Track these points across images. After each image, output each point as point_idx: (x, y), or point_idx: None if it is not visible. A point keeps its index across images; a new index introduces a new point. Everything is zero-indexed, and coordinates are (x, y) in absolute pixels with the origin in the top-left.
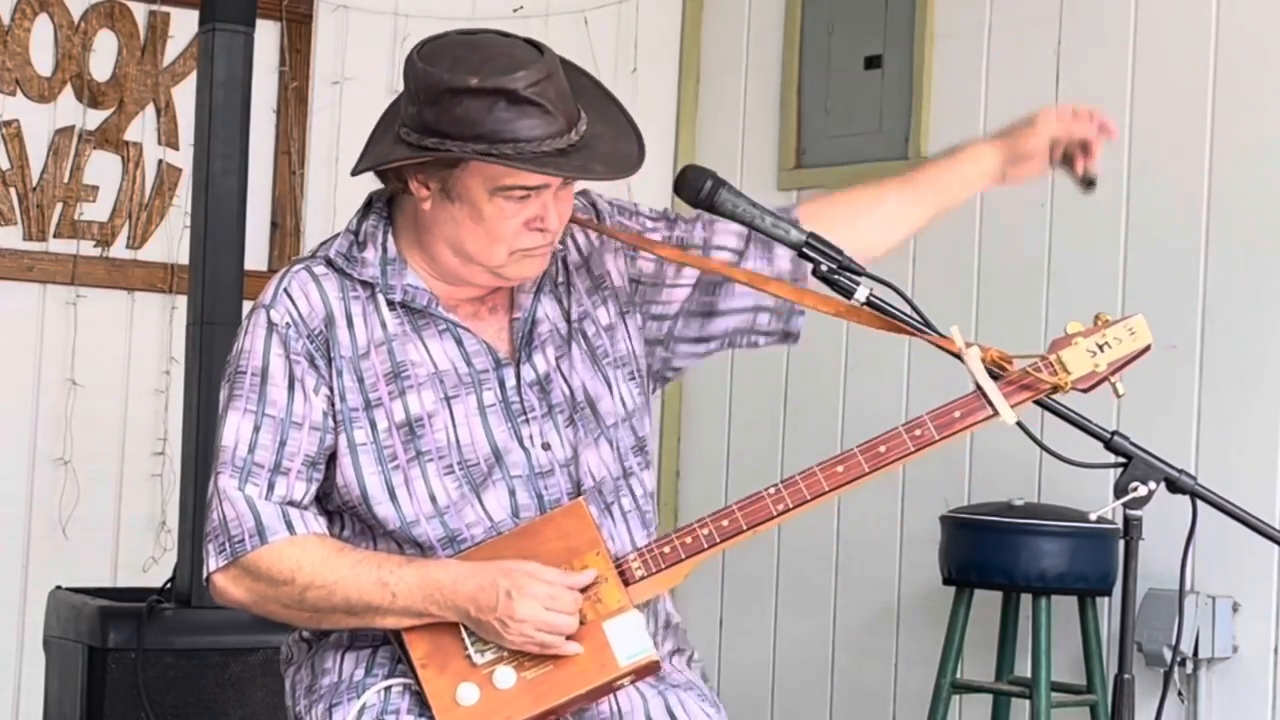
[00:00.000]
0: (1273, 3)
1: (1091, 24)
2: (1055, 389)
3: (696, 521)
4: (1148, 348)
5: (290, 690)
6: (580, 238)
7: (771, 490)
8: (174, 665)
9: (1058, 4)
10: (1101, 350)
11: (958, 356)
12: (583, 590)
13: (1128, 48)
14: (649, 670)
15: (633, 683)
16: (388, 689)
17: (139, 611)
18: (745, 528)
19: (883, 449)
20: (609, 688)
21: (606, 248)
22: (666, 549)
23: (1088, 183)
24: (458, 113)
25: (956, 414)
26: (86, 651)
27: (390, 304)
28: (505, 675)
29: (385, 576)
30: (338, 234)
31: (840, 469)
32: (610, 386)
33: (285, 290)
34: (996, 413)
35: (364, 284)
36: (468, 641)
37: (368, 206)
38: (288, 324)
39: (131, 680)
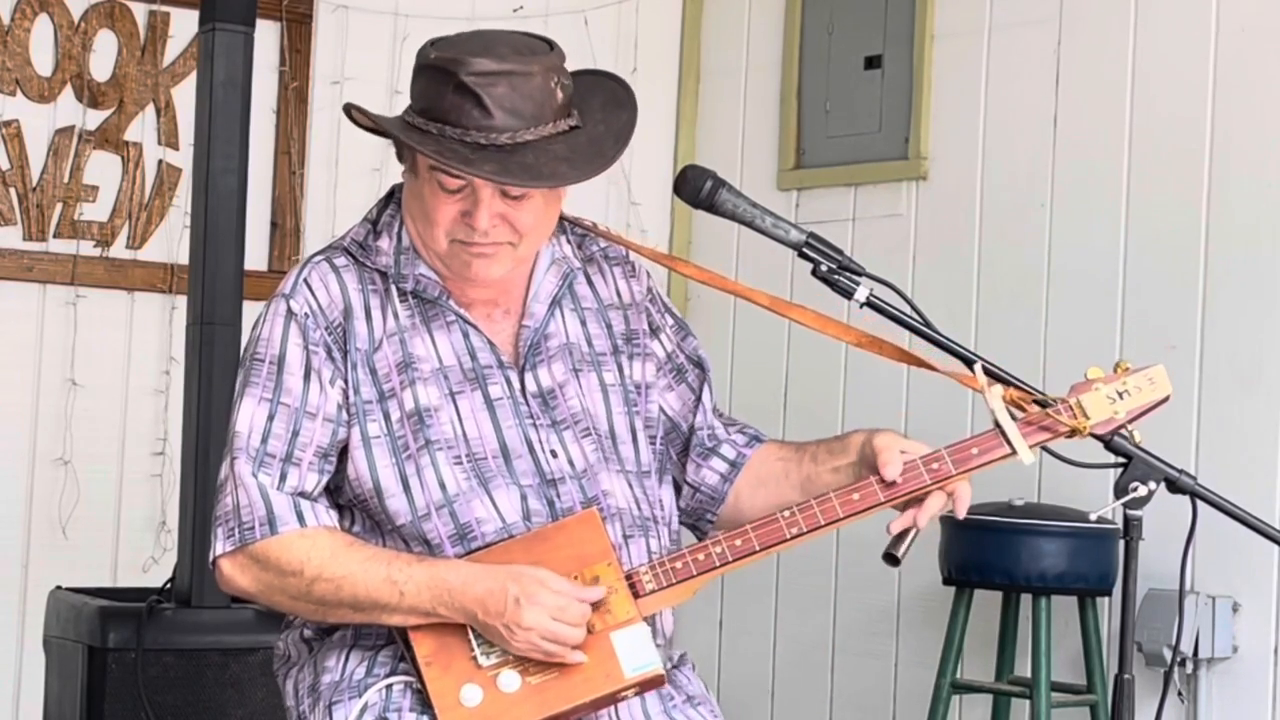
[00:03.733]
0: (1273, 3)
1: (1091, 24)
2: (1074, 432)
3: (709, 538)
4: (1167, 398)
5: (292, 691)
6: (623, 285)
7: (786, 513)
8: (174, 665)
9: (1058, 4)
10: (1121, 398)
11: (980, 392)
12: (593, 605)
13: (1128, 48)
14: (654, 684)
15: (637, 694)
16: (389, 687)
17: (139, 611)
18: (759, 548)
19: (899, 480)
20: (613, 698)
21: (655, 318)
22: (679, 564)
23: (891, 558)
24: (420, 85)
25: (974, 450)
26: (86, 651)
27: (403, 294)
28: (510, 679)
29: (395, 575)
30: (358, 223)
31: (856, 496)
32: (635, 436)
33: (305, 280)
34: (1014, 452)
35: (380, 274)
36: (474, 643)
37: (389, 197)
38: (306, 314)
39: (131, 680)
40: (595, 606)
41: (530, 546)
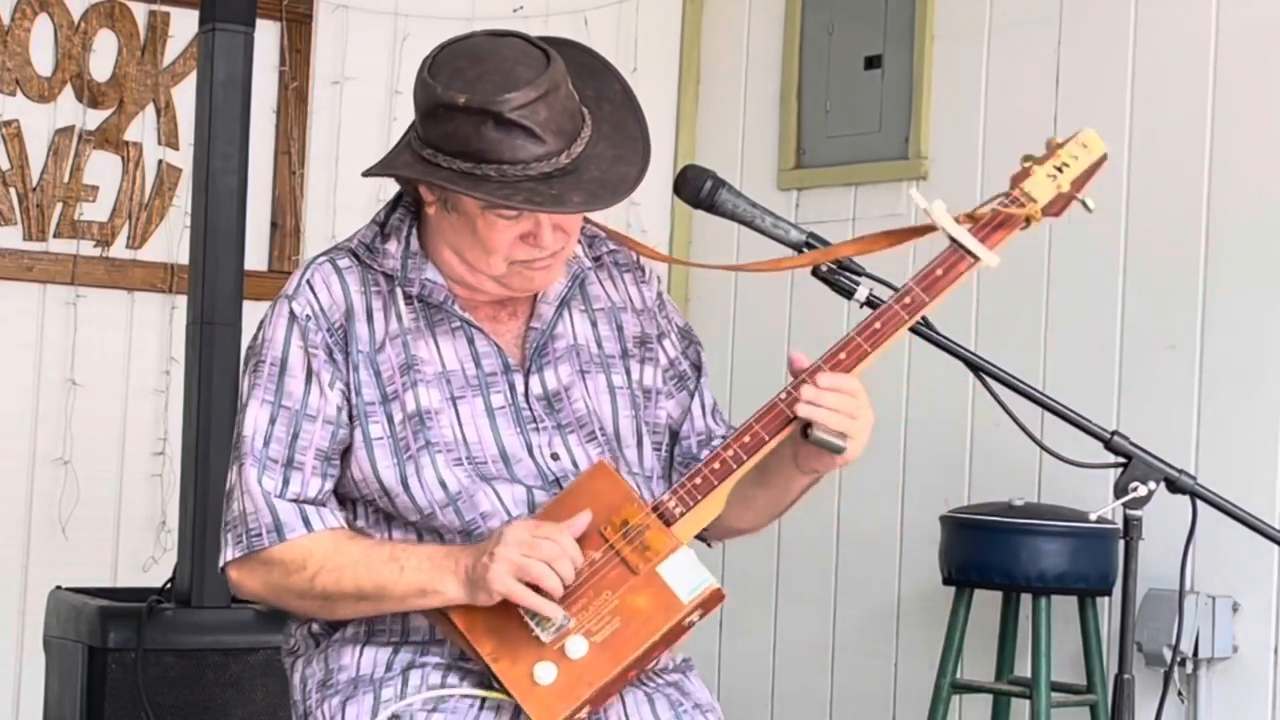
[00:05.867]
0: (1273, 3)
1: (1091, 24)
2: (1028, 220)
3: (721, 446)
4: (1104, 156)
5: (300, 684)
6: (634, 291)
7: (783, 395)
8: (174, 665)
9: (1058, 4)
10: (1061, 171)
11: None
12: (609, 546)
13: (1128, 48)
14: (715, 601)
15: (702, 617)
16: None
17: (139, 611)
18: (768, 438)
19: (878, 325)
20: (679, 628)
21: (661, 323)
22: (698, 480)
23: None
24: (449, 128)
25: (939, 271)
26: (86, 651)
27: (408, 297)
28: (576, 644)
29: (397, 553)
30: (365, 225)
31: (844, 355)
32: (640, 440)
33: (308, 282)
34: (978, 259)
35: (386, 277)
36: (530, 623)
37: (398, 199)
38: (308, 316)
39: (131, 680)
40: (633, 546)
41: (552, 514)
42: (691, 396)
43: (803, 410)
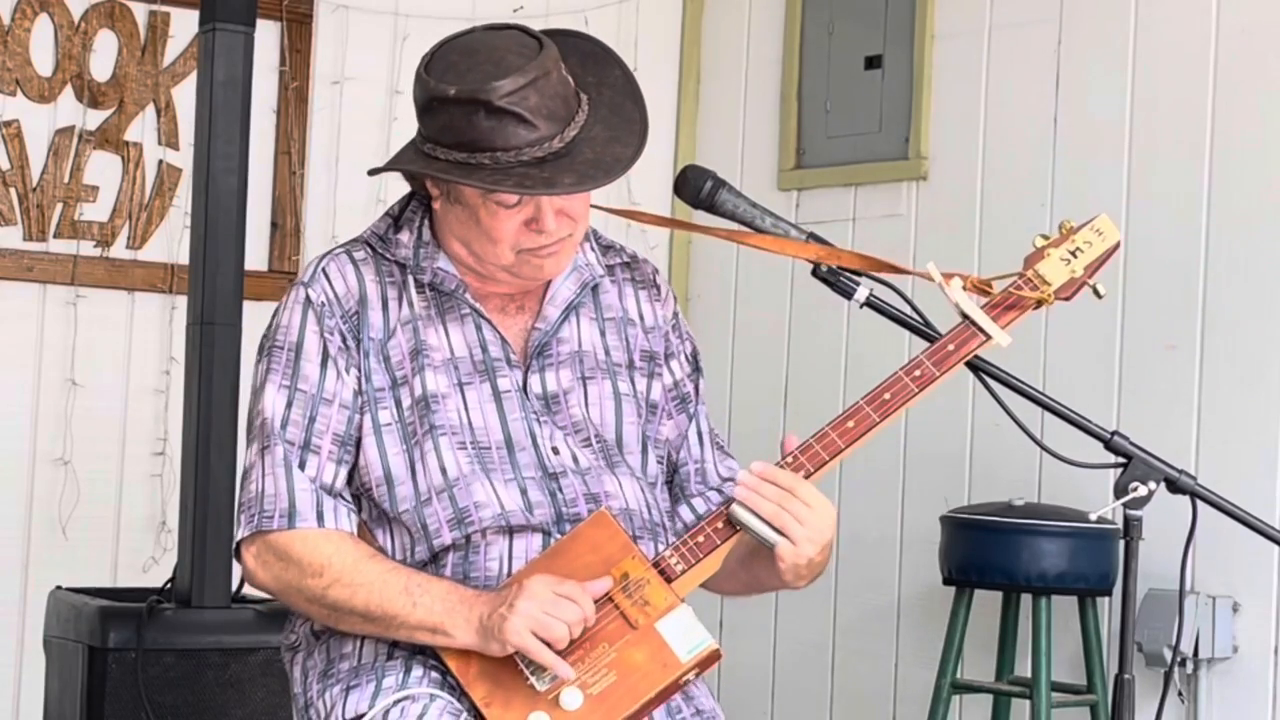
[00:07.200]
0: (1273, 3)
1: (1091, 24)
2: (1040, 303)
3: (723, 504)
4: (1117, 244)
5: (301, 677)
6: (647, 309)
7: (789, 460)
8: (174, 665)
9: (1058, 4)
10: (1075, 256)
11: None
12: (607, 597)
13: (1128, 48)
14: (712, 660)
15: (697, 676)
16: (407, 671)
17: (139, 611)
18: None
19: (888, 396)
20: (675, 686)
21: (674, 342)
22: (700, 538)
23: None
24: (443, 121)
25: (951, 347)
26: (86, 651)
27: (420, 286)
28: (571, 696)
29: (412, 586)
30: (380, 217)
31: (851, 424)
32: (645, 448)
33: (323, 270)
34: (989, 337)
35: (399, 266)
36: (526, 671)
37: (412, 193)
38: (323, 303)
39: (131, 680)
40: (633, 600)
41: (551, 563)
42: (690, 420)
43: (738, 493)
